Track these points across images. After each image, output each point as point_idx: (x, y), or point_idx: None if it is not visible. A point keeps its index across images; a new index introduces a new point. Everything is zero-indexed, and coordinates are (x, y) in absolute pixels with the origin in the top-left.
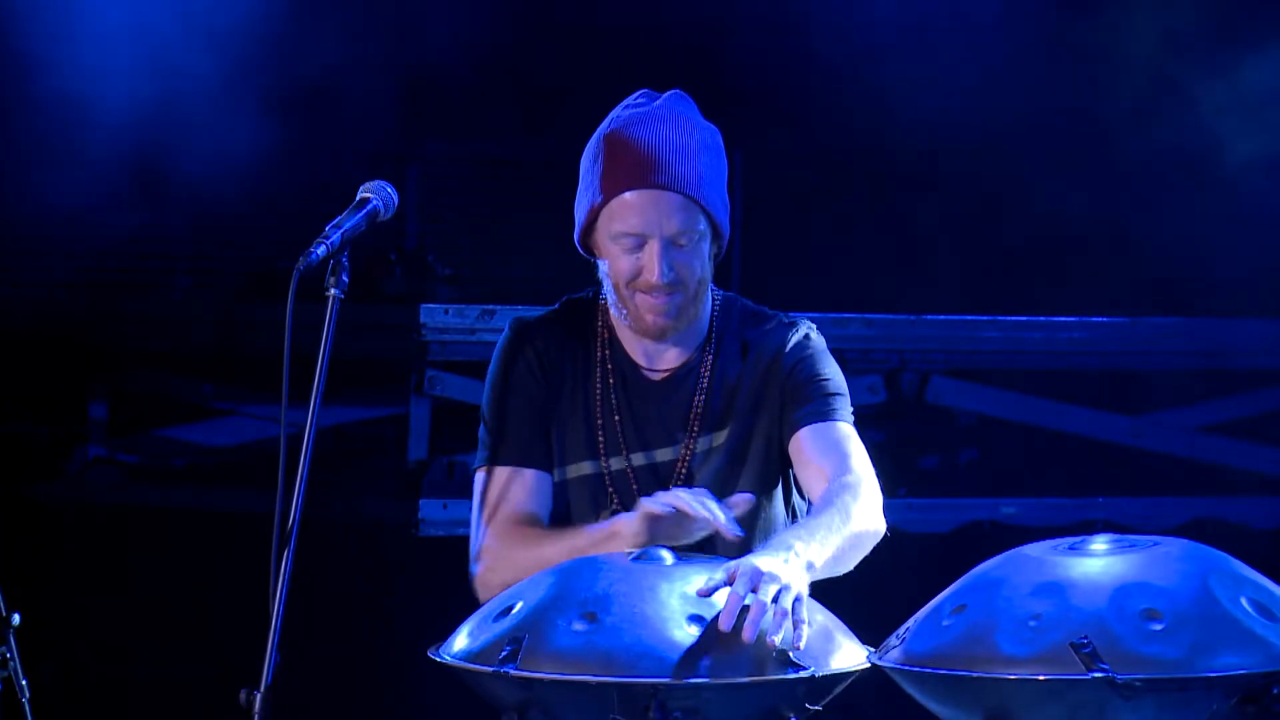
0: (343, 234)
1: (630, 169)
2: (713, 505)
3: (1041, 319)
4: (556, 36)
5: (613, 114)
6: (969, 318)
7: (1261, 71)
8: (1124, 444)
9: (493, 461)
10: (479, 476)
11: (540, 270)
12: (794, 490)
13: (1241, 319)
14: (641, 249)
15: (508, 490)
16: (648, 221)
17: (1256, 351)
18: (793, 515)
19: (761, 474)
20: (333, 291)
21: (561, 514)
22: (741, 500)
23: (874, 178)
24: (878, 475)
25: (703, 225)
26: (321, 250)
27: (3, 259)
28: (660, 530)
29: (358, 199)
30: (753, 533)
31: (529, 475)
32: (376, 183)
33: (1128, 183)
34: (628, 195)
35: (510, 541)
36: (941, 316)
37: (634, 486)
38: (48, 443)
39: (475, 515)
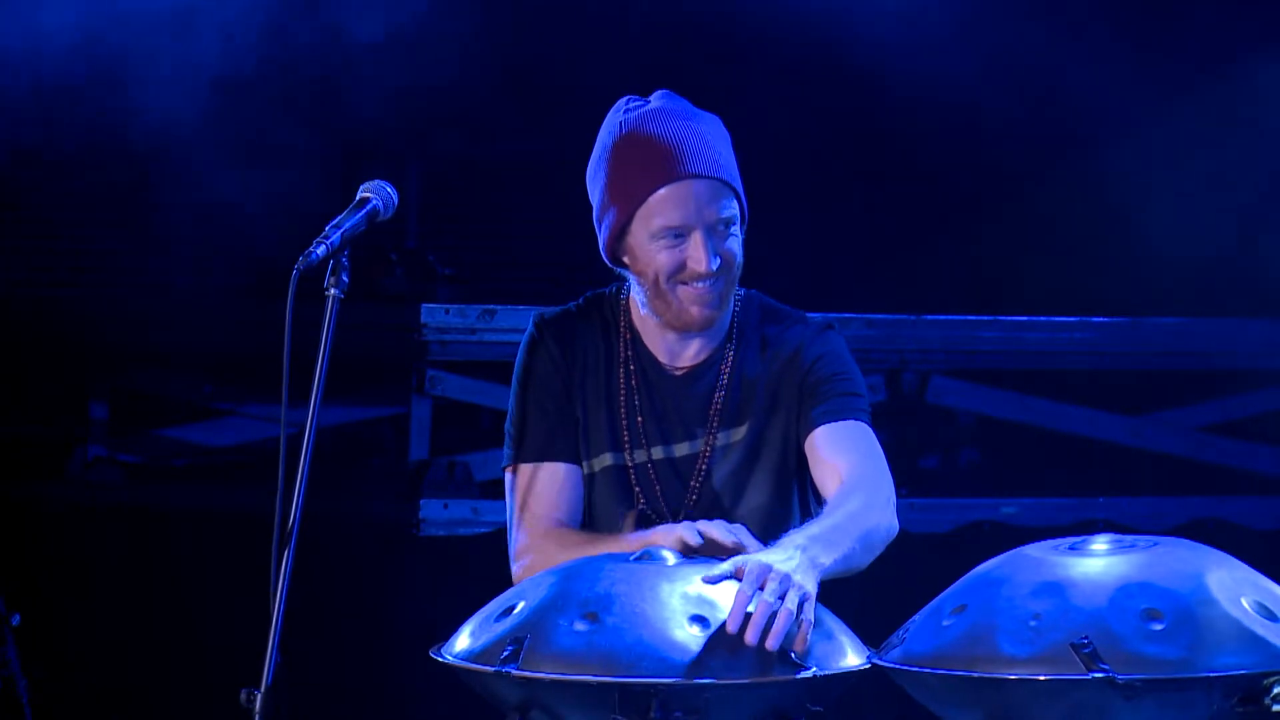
0: (343, 234)
1: (658, 165)
2: (744, 535)
3: (1041, 319)
4: (556, 36)
5: (612, 122)
6: (969, 318)
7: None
8: (1124, 444)
9: (521, 459)
10: (508, 474)
11: (540, 270)
12: (810, 490)
13: (1241, 319)
14: (684, 241)
15: (539, 488)
16: (687, 213)
17: (1256, 352)
18: (808, 515)
19: (778, 470)
20: (333, 291)
21: (585, 505)
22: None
23: (874, 176)
24: None
25: (735, 208)
26: (321, 250)
27: (4, 259)
28: (693, 553)
29: (358, 198)
30: (767, 531)
31: (557, 470)
32: (376, 182)
33: (1129, 182)
34: (662, 190)
35: (547, 545)
36: (941, 316)
37: (655, 483)
38: (48, 443)
39: (510, 514)
